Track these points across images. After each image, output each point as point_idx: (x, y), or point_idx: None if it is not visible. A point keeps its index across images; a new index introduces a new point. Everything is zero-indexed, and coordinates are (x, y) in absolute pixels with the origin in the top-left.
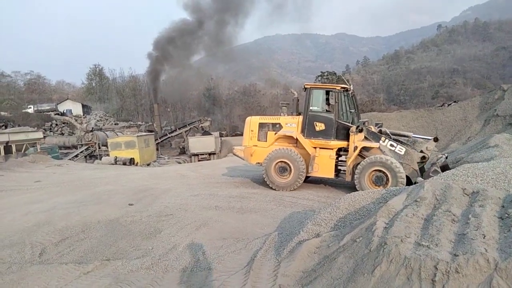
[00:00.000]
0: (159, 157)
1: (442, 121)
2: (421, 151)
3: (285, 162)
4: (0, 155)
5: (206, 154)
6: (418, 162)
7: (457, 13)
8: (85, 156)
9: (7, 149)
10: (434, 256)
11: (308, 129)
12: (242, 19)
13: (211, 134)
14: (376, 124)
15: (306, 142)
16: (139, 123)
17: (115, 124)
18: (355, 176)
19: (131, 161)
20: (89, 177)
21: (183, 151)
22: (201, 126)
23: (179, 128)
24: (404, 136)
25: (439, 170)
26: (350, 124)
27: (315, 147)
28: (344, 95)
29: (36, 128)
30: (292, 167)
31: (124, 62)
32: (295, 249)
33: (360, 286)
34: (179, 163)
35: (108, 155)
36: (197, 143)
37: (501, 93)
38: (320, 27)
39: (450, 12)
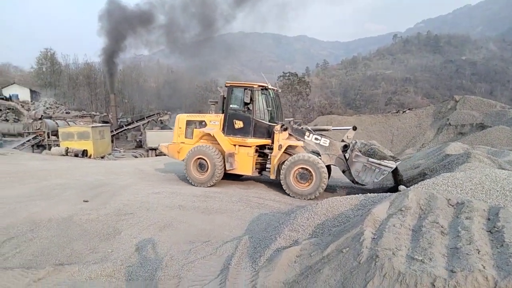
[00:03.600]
0: (114, 150)
1: (398, 127)
2: (342, 140)
3: (203, 159)
4: None
5: None
6: (342, 151)
7: (411, 25)
8: (33, 146)
9: None
10: (431, 272)
11: (228, 127)
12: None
13: (170, 129)
14: (296, 123)
15: (223, 139)
16: (93, 113)
17: (66, 112)
18: (281, 174)
19: (84, 153)
20: (37, 169)
21: (139, 144)
22: (160, 120)
23: (136, 121)
24: (325, 130)
25: (359, 154)
26: (268, 123)
27: (234, 145)
28: (263, 94)
29: None
30: (209, 164)
31: (79, 48)
32: (273, 257)
33: None
34: (136, 157)
35: (58, 145)
36: (155, 137)
37: (453, 103)
38: (283, 28)
39: (405, 23)
